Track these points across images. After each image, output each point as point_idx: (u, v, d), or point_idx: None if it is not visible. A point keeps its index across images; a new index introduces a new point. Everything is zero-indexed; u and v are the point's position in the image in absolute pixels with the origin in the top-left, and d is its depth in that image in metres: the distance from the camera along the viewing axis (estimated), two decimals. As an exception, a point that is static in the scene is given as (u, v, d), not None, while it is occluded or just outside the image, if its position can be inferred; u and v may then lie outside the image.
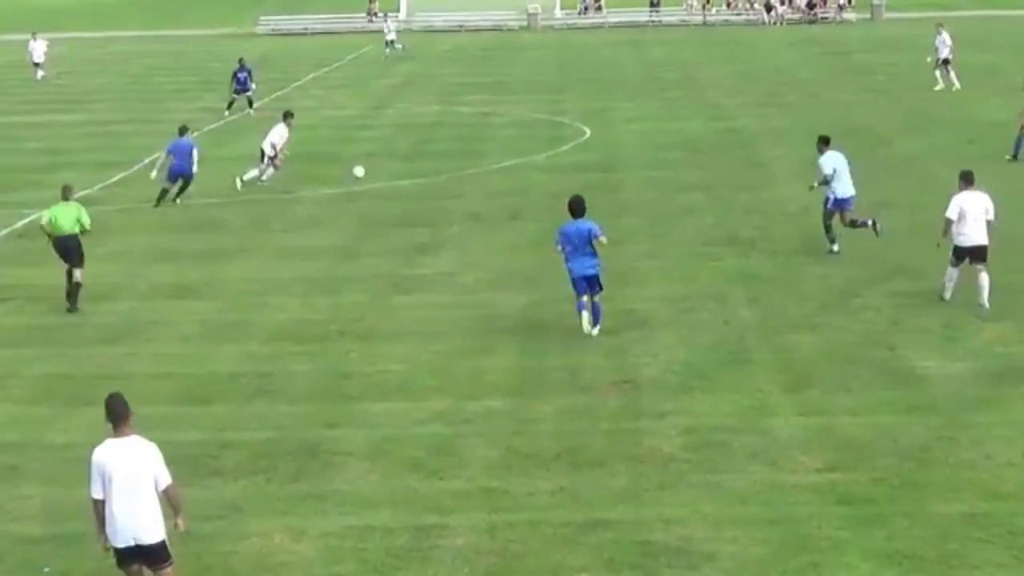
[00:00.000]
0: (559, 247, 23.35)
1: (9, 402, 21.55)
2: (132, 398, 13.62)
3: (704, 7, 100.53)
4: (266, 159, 38.73)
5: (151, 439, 13.42)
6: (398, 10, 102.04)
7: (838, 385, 20.72)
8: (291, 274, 28.63)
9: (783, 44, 79.68)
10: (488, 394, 20.84)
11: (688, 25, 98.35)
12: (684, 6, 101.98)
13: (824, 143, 28.91)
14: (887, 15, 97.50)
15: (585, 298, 23.20)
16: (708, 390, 20.70)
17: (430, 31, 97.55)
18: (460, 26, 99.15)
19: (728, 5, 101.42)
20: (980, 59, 66.91)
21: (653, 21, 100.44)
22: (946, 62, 55.75)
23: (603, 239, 23.04)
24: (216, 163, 42.53)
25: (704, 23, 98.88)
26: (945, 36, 56.04)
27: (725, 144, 43.65)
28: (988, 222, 24.33)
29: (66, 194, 27.36)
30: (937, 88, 55.44)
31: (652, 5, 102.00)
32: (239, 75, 54.49)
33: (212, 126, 50.91)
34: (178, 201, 36.10)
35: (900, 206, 31.65)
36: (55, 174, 39.67)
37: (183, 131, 36.91)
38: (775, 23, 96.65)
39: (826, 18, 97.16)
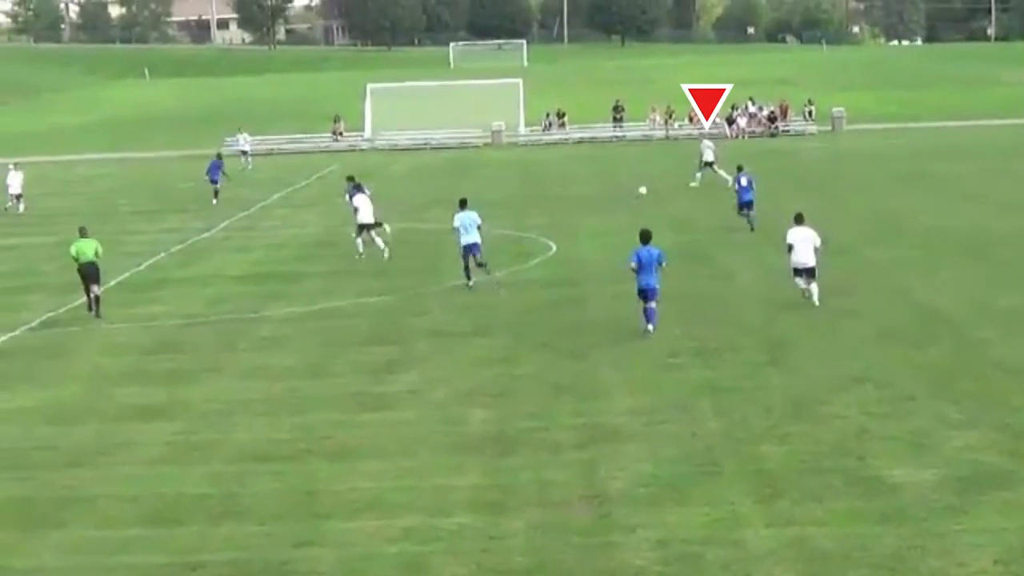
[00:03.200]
0: (632, 264, 31.16)
1: (-27, 528, 21.29)
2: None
3: (667, 122, 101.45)
4: (373, 229, 45.81)
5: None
6: (363, 130, 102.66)
7: (808, 495, 20.68)
8: (257, 394, 28.53)
9: (744, 157, 79.82)
10: (458, 510, 20.73)
11: (651, 140, 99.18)
12: (647, 121, 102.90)
13: (461, 204, 39.05)
14: (847, 127, 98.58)
15: (649, 304, 31.11)
16: (678, 502, 20.64)
17: (395, 150, 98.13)
18: (425, 144, 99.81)
19: (691, 120, 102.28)
20: (939, 168, 67.69)
21: (616, 136, 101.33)
22: (710, 164, 64.71)
23: (665, 264, 31.46)
24: (181, 284, 42.61)
25: (667, 137, 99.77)
26: (708, 142, 67.49)
27: (689, 255, 43.83)
28: (815, 248, 32.68)
29: (84, 232, 37.04)
30: (692, 184, 64.48)
31: (615, 120, 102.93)
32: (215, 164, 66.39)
33: (178, 247, 50.93)
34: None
35: (865, 314, 31.76)
36: (23, 296, 39.87)
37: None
38: (737, 136, 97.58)
39: (787, 131, 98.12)
